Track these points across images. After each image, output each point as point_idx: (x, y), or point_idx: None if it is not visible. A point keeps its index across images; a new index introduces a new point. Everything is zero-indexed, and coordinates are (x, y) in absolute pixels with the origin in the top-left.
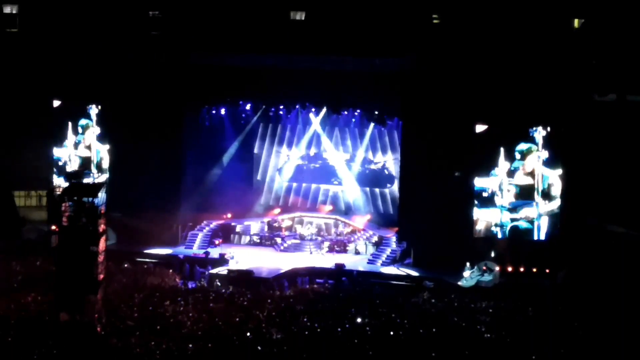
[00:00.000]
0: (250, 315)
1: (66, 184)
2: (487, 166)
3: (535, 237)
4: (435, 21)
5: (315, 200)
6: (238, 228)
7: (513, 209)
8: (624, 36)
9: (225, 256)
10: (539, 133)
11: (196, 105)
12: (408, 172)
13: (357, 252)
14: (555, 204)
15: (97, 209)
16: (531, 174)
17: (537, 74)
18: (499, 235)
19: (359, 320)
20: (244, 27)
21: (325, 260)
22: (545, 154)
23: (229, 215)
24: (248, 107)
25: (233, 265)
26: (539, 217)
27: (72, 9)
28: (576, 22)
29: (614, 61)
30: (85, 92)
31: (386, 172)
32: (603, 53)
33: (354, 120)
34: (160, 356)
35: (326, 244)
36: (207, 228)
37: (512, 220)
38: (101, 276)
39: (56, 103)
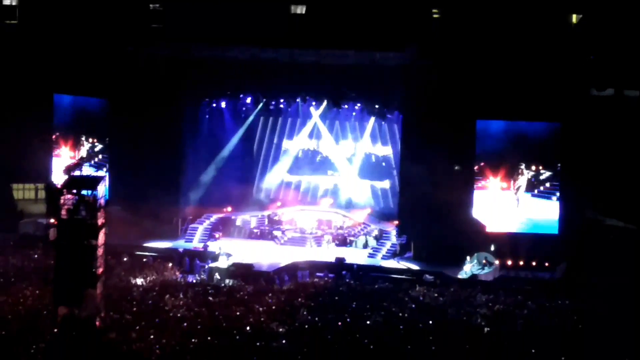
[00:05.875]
0: (250, 309)
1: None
2: None
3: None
4: (435, 15)
5: (315, 193)
6: (238, 221)
7: None
8: (621, 31)
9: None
10: None
11: (196, 99)
12: (408, 166)
13: (357, 246)
14: None
15: (96, 202)
16: None
17: (536, 69)
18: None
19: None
20: (245, 21)
21: (326, 253)
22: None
23: (229, 209)
24: (248, 100)
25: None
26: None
27: (72, 1)
28: (574, 18)
29: (611, 56)
30: (85, 85)
31: (384, 164)
32: (601, 48)
33: (354, 113)
34: (160, 350)
35: (327, 237)
36: (207, 221)
37: None
38: (100, 270)
39: None
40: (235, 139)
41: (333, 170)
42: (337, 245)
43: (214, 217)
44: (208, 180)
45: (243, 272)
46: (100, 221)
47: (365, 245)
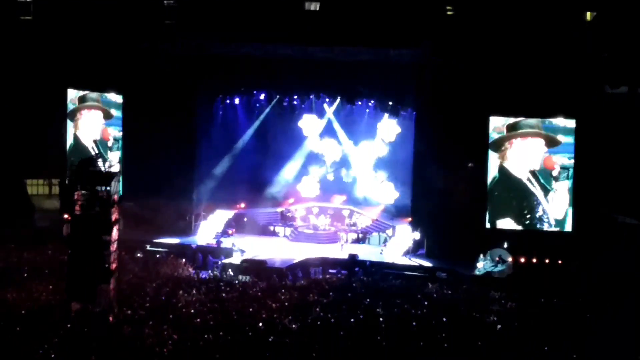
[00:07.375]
0: (263, 305)
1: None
2: None
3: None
4: (449, 12)
5: (328, 190)
6: (251, 218)
7: None
8: (635, 29)
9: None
10: None
11: (210, 95)
12: (421, 163)
13: (371, 243)
14: None
15: (110, 198)
16: None
17: (550, 66)
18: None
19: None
20: (259, 17)
21: (339, 250)
22: None
23: (242, 205)
24: (262, 96)
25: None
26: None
27: None
28: (588, 15)
29: (625, 53)
30: (99, 81)
31: (397, 161)
32: (615, 45)
33: (367, 110)
34: (172, 346)
35: (340, 234)
36: (220, 217)
37: None
38: (113, 265)
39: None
40: (248, 135)
41: (346, 167)
42: (351, 241)
43: (227, 213)
44: (221, 176)
45: (256, 268)
46: (113, 217)
47: (383, 242)
